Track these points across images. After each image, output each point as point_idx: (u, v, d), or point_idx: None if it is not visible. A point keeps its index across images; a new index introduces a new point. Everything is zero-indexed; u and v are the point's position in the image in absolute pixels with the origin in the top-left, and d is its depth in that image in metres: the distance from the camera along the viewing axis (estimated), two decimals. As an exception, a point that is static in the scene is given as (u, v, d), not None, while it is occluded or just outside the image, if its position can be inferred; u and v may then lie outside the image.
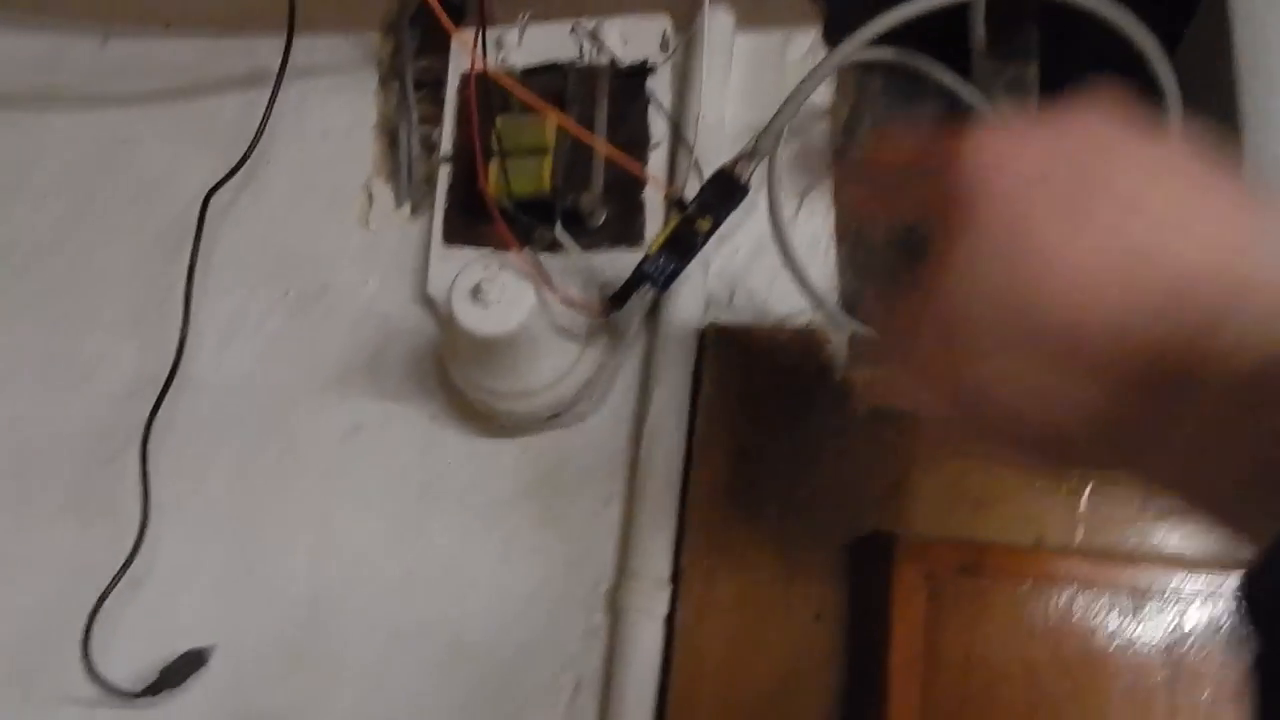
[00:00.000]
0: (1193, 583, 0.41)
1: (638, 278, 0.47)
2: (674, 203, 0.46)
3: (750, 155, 0.46)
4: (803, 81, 0.48)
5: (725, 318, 0.55)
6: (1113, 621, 0.41)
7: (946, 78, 0.55)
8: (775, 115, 0.47)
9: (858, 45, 0.47)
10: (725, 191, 0.45)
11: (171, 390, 0.60)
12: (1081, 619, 0.41)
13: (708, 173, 0.53)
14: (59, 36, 0.74)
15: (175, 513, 0.59)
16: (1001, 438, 0.31)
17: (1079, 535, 0.44)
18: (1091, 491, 0.44)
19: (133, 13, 0.73)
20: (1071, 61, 0.59)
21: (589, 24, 0.60)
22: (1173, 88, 0.50)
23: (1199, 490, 0.29)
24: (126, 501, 0.59)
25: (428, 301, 0.59)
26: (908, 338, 0.32)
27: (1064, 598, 0.42)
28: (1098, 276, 0.28)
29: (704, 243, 0.45)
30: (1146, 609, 0.42)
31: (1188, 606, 0.41)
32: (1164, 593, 0.41)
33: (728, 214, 0.45)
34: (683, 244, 0.46)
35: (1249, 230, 0.28)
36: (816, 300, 0.51)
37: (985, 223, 0.29)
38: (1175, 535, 0.44)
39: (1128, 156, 0.30)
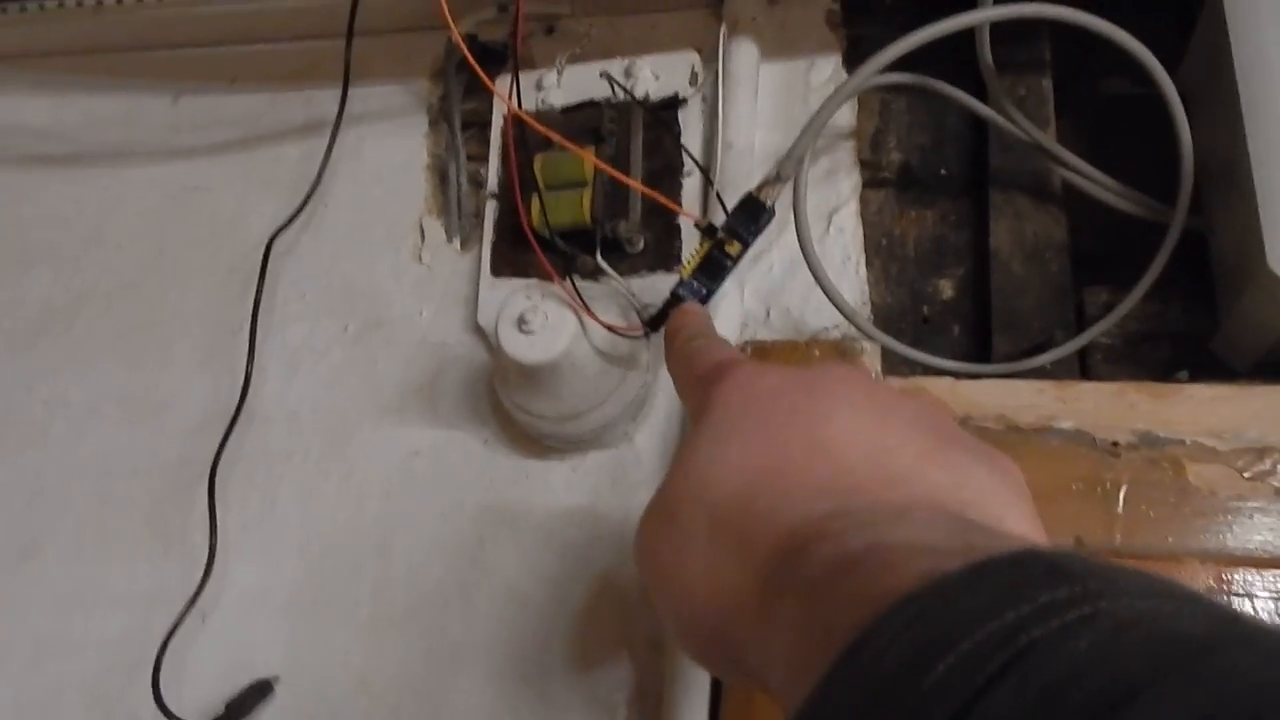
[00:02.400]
0: (1239, 580, 0.39)
1: (672, 301, 0.45)
2: (703, 229, 0.44)
3: (774, 180, 0.44)
4: (821, 107, 0.46)
5: (763, 335, 0.53)
6: (1156, 623, 0.39)
7: (962, 97, 0.53)
8: (796, 140, 0.45)
9: (871, 72, 0.45)
10: (752, 215, 0.44)
11: (239, 423, 0.59)
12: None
13: (735, 196, 0.52)
14: (132, 97, 0.75)
15: (244, 542, 0.58)
16: (676, 614, 0.30)
17: (1118, 537, 0.41)
18: (1128, 492, 0.42)
19: (200, 72, 0.73)
20: (1085, 74, 0.57)
21: (622, 63, 0.59)
22: (1171, 92, 0.47)
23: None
24: (200, 532, 0.58)
25: (479, 331, 0.58)
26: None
27: (1105, 600, 0.39)
28: (777, 467, 0.28)
29: (735, 265, 0.44)
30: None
31: (1235, 605, 0.39)
32: (1210, 592, 0.39)
33: (756, 237, 0.44)
34: (714, 267, 0.44)
35: (926, 463, 0.28)
36: (847, 313, 0.49)
37: (708, 425, 0.30)
38: (1215, 533, 0.41)
39: (857, 383, 0.31)
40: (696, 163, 0.53)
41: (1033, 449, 0.43)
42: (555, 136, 0.48)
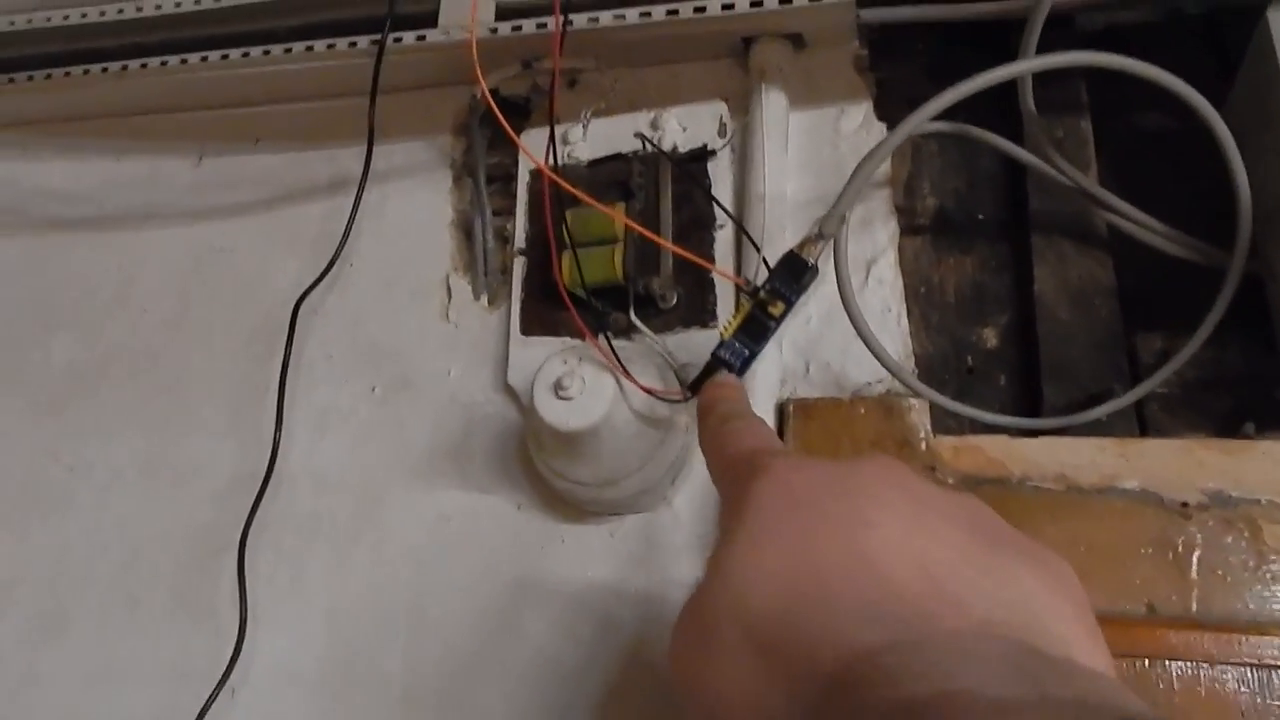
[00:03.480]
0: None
1: (714, 364, 0.43)
2: (746, 291, 0.42)
3: (816, 237, 0.42)
4: (862, 163, 0.44)
5: (803, 390, 0.51)
6: (1244, 698, 0.36)
7: (1003, 144, 0.51)
8: (838, 198, 0.43)
9: (915, 125, 0.43)
10: (794, 274, 0.41)
11: (267, 488, 0.57)
12: (1208, 697, 0.36)
13: (771, 249, 0.50)
14: (156, 158, 0.73)
15: (272, 612, 0.56)
16: None
17: (1194, 604, 0.38)
18: (1201, 555, 0.39)
19: (223, 132, 0.72)
20: (1122, 111, 0.55)
21: (648, 115, 0.57)
22: (1226, 136, 0.45)
23: None
24: (228, 601, 0.56)
25: (509, 391, 0.56)
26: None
27: (1188, 674, 0.36)
28: (819, 582, 0.26)
29: (778, 326, 0.41)
30: (1278, 681, 0.36)
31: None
32: (1295, 665, 0.36)
33: (799, 296, 0.41)
34: (756, 328, 0.42)
35: (979, 575, 0.26)
36: (893, 369, 0.46)
37: (743, 528, 0.28)
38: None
39: (897, 481, 0.28)
40: (734, 219, 0.51)
41: (1097, 510, 0.40)
42: (585, 198, 0.46)
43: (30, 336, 0.70)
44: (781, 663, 0.25)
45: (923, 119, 0.43)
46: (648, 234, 0.46)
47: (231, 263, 0.68)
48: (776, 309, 0.41)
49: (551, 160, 0.47)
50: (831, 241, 0.43)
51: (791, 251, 0.42)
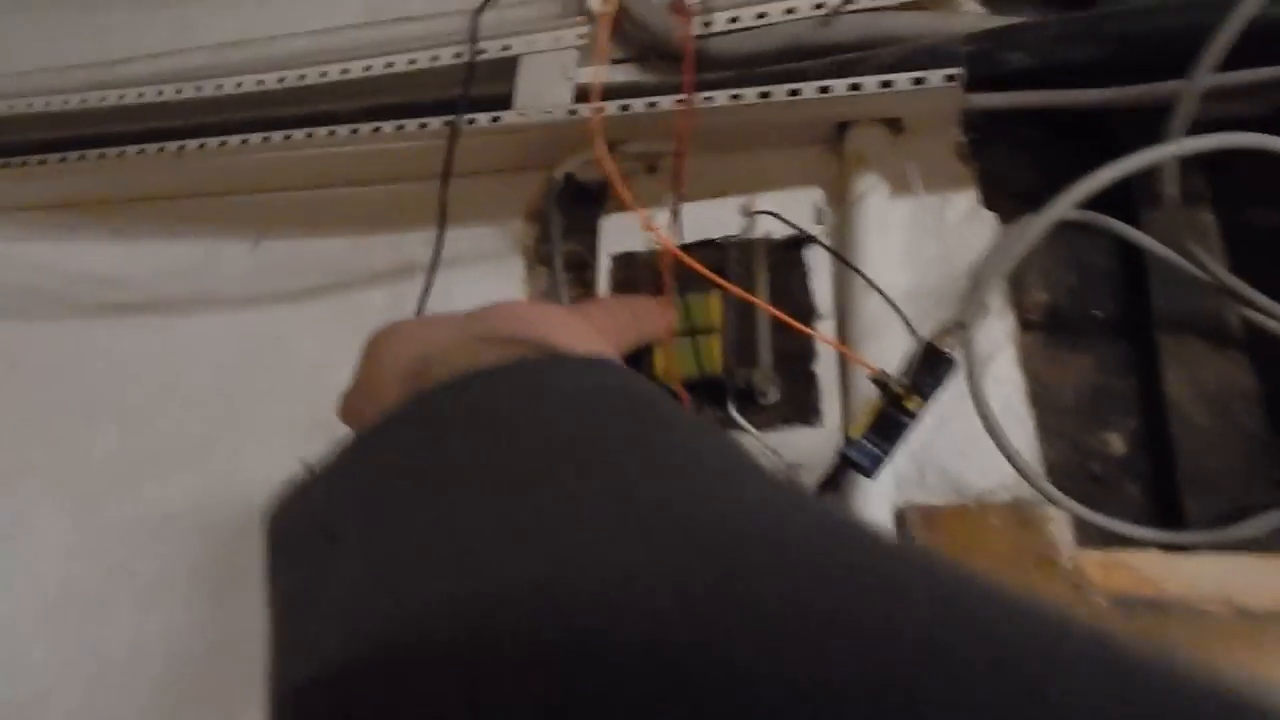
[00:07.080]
0: None
1: (842, 464, 0.41)
2: (879, 381, 0.40)
3: (954, 327, 0.40)
4: (1005, 244, 0.43)
5: (919, 497, 0.49)
6: None
7: (1134, 235, 0.49)
8: (975, 286, 0.42)
9: (1065, 208, 0.42)
10: (931, 366, 0.40)
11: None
12: None
13: (876, 344, 0.49)
14: (212, 242, 0.74)
15: None
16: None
17: None
18: None
19: (282, 216, 0.72)
20: (1245, 207, 0.54)
21: (738, 200, 0.57)
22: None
23: None
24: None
25: (592, 491, 0.54)
26: None
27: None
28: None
29: (915, 422, 0.39)
30: None
31: None
32: None
33: (936, 390, 0.40)
34: (890, 425, 0.40)
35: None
36: (1029, 476, 0.44)
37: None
38: None
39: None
40: (880, 292, 0.48)
41: (1275, 638, 0.38)
42: (709, 274, 0.45)
43: (70, 429, 0.69)
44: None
45: (1073, 201, 0.42)
46: (756, 301, 0.45)
47: (289, 352, 0.67)
48: (913, 404, 0.39)
49: (675, 239, 0.46)
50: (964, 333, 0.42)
51: (929, 343, 0.40)
